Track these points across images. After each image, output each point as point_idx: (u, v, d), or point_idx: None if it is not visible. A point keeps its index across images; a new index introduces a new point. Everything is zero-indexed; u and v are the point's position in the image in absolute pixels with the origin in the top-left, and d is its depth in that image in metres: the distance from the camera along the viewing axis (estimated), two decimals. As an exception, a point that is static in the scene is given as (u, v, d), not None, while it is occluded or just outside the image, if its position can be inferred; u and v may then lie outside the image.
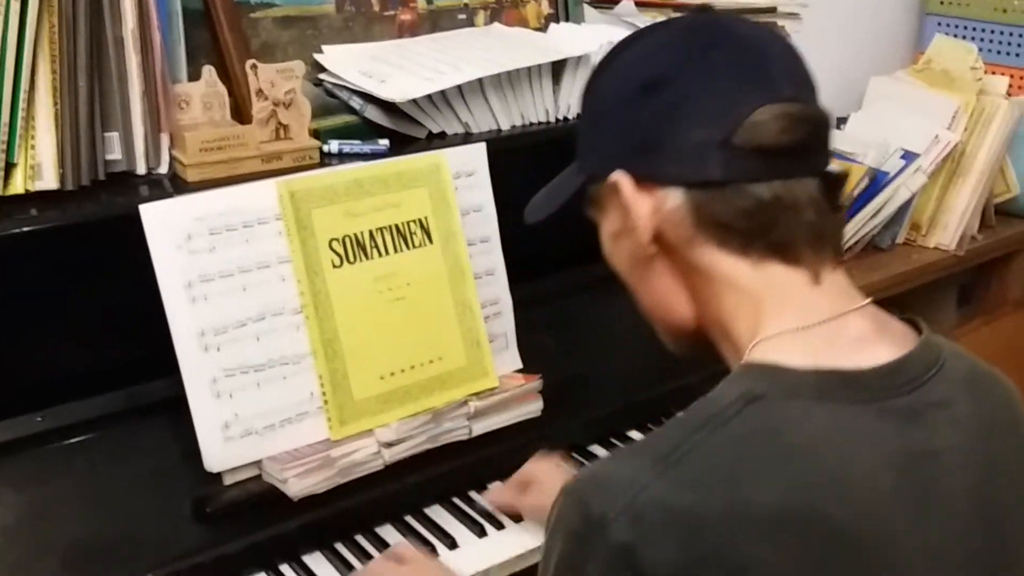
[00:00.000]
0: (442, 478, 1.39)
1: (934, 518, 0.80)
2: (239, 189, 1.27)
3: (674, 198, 0.85)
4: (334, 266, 1.33)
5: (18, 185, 1.22)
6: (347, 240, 1.34)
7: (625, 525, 0.74)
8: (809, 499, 0.75)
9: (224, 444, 1.25)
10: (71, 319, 1.23)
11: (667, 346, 0.96)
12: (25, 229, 1.20)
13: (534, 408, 1.46)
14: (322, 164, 1.42)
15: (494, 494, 1.37)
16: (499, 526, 1.35)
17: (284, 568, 1.27)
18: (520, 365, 1.50)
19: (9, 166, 1.22)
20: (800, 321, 0.83)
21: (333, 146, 1.44)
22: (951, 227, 2.22)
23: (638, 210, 0.86)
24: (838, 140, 2.10)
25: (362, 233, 1.35)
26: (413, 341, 1.39)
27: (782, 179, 0.83)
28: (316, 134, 1.45)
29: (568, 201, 0.94)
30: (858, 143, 2.09)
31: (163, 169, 1.34)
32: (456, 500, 1.40)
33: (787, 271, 0.84)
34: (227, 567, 1.24)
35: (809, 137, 0.84)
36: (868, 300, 0.87)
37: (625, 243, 0.90)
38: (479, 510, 1.38)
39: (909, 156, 2.13)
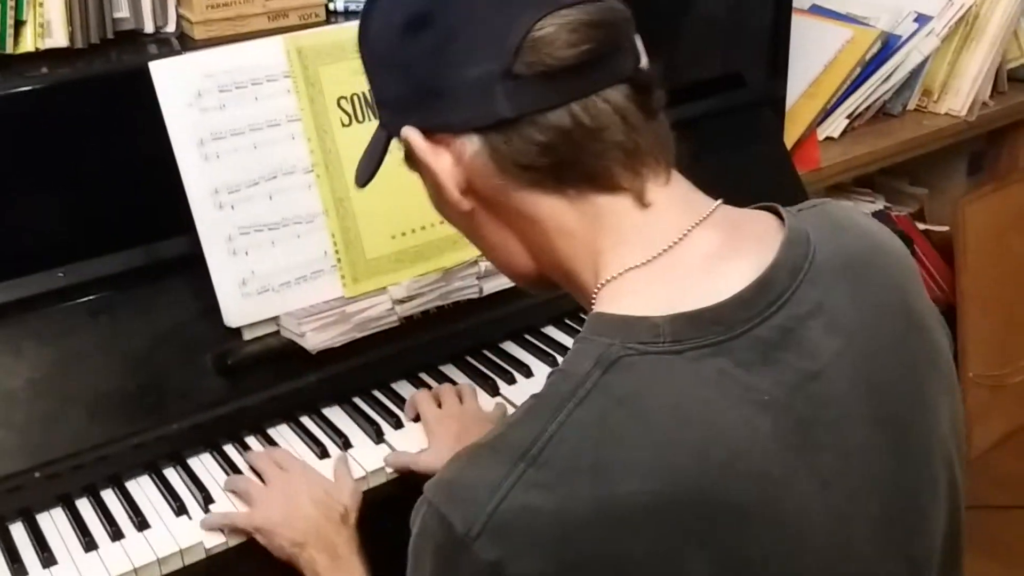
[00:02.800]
0: (455, 336, 1.43)
1: (829, 450, 0.74)
2: (247, 46, 1.27)
3: (471, 145, 0.77)
4: (343, 125, 1.33)
5: (28, 43, 1.22)
6: (355, 99, 1.34)
7: (489, 541, 0.68)
8: (682, 479, 0.69)
9: (242, 300, 1.28)
10: (87, 176, 1.25)
11: (526, 290, 0.90)
12: (37, 86, 1.21)
13: (544, 268, 1.48)
14: (328, 22, 1.41)
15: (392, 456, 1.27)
16: (511, 380, 1.40)
17: (304, 419, 1.32)
18: (529, 227, 1.51)
19: (19, 24, 1.22)
20: (641, 254, 0.76)
21: (339, 3, 1.43)
22: (963, 93, 2.20)
23: (438, 166, 0.79)
24: (851, 4, 2.10)
25: (370, 92, 1.34)
26: (423, 202, 1.39)
27: (579, 99, 0.74)
28: (322, -8, 1.44)
29: (379, 162, 0.88)
30: (871, 6, 2.06)
31: (171, 27, 1.34)
32: (469, 358, 1.44)
33: (610, 200, 0.77)
34: (249, 418, 1.29)
35: (604, 42, 0.75)
36: (717, 203, 0.80)
37: (444, 198, 0.82)
38: (492, 367, 1.42)
39: (922, 19, 2.09)
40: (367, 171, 0.90)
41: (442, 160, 0.79)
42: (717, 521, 0.69)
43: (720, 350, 0.72)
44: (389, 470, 1.25)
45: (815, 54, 2.02)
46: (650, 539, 0.68)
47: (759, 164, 1.73)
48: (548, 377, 0.76)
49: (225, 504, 1.18)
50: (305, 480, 1.17)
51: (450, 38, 0.75)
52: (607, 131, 0.75)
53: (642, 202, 0.77)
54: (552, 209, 0.78)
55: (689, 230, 0.77)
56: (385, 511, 1.26)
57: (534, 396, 0.74)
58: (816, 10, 2.11)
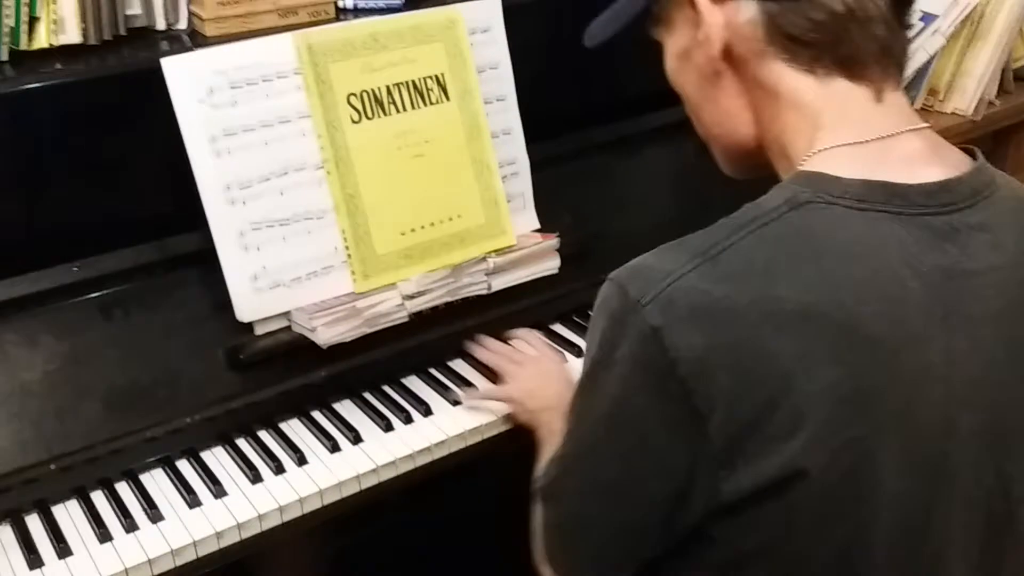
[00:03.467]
0: (464, 332, 1.43)
1: (959, 334, 0.81)
2: (258, 42, 1.28)
3: (747, 10, 0.85)
4: (353, 121, 1.34)
5: (42, 39, 1.24)
6: (365, 95, 1.35)
7: (656, 309, 0.77)
8: (836, 297, 0.77)
9: (254, 295, 1.29)
10: (101, 172, 1.26)
11: (724, 168, 0.97)
12: (51, 82, 1.22)
13: (551, 266, 1.49)
14: (337, 19, 1.43)
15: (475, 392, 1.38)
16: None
17: (316, 414, 1.33)
18: (538, 225, 1.52)
19: (33, 20, 1.23)
20: (856, 136, 0.84)
21: (348, 1, 1.44)
22: (969, 92, 2.20)
23: (710, 22, 0.86)
24: None
25: (379, 88, 1.36)
26: (432, 198, 1.42)
27: None
28: (331, -11, 1.45)
29: (632, 21, 0.94)
30: (876, 5, 2.07)
31: (182, 24, 1.36)
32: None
33: (851, 87, 0.85)
34: (261, 412, 1.30)
35: None
36: (927, 124, 0.87)
37: (692, 60, 0.90)
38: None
39: (928, 18, 2.10)
40: (607, 32, 0.97)
41: (716, 17, 0.86)
42: (855, 345, 0.77)
43: (896, 219, 0.81)
44: (399, 460, 1.25)
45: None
46: (794, 339, 0.76)
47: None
48: (741, 208, 0.84)
49: (237, 495, 1.19)
50: (553, 363, 1.36)
51: None
52: (873, 24, 0.83)
53: (878, 97, 0.85)
54: (797, 83, 0.85)
55: (902, 131, 0.85)
56: (402, 506, 1.29)
57: (726, 217, 0.83)
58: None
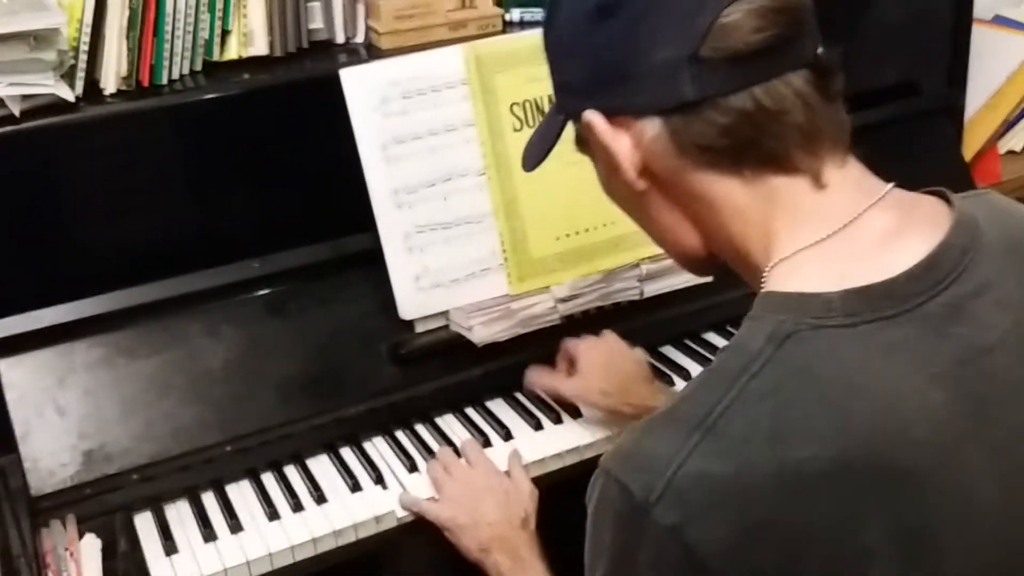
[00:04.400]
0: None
1: (998, 421, 0.74)
2: (429, 54, 1.35)
3: (651, 128, 0.79)
4: (514, 130, 1.39)
5: (232, 51, 1.34)
6: (527, 105, 1.39)
7: (668, 507, 0.70)
8: (858, 445, 0.70)
9: (416, 294, 1.35)
10: (281, 175, 1.35)
11: (690, 272, 0.92)
12: (241, 91, 1.32)
13: (705, 273, 1.49)
14: (504, 32, 1.48)
15: (535, 376, 1.38)
16: (670, 383, 1.42)
17: (469, 411, 1.38)
18: (692, 233, 1.53)
19: (225, 33, 1.33)
20: (815, 233, 0.77)
21: (515, 14, 1.49)
22: None
23: (617, 148, 0.81)
24: (1012, 10, 2.00)
25: (541, 98, 1.40)
26: (587, 204, 1.44)
27: (762, 83, 0.75)
28: (499, 2, 1.50)
29: (551, 146, 0.91)
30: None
31: (359, 38, 1.44)
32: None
33: (787, 181, 0.78)
34: (418, 406, 1.37)
35: (787, 28, 0.76)
36: (890, 186, 0.80)
37: (618, 181, 0.84)
38: (653, 371, 1.44)
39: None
40: (539, 154, 0.94)
41: (621, 142, 0.81)
42: (892, 487, 0.70)
43: (892, 324, 0.73)
44: (548, 458, 1.29)
45: (997, 65, 1.94)
46: (827, 505, 0.69)
47: (935, 174, 1.68)
48: (718, 354, 0.78)
49: (394, 483, 1.25)
50: (487, 482, 1.23)
51: (638, 23, 0.77)
52: (788, 114, 0.76)
53: (819, 183, 0.78)
54: (727, 190, 0.79)
55: (863, 210, 0.78)
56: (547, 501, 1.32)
57: (706, 370, 0.77)
58: (1000, 21, 2.03)
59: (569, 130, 0.89)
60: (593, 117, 0.82)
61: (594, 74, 0.81)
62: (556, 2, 0.85)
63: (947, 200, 0.81)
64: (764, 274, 0.79)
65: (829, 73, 0.78)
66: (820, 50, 0.79)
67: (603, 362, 1.32)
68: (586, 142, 0.86)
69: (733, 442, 0.71)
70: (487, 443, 1.31)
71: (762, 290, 0.79)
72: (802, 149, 0.77)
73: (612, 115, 0.81)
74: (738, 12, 0.75)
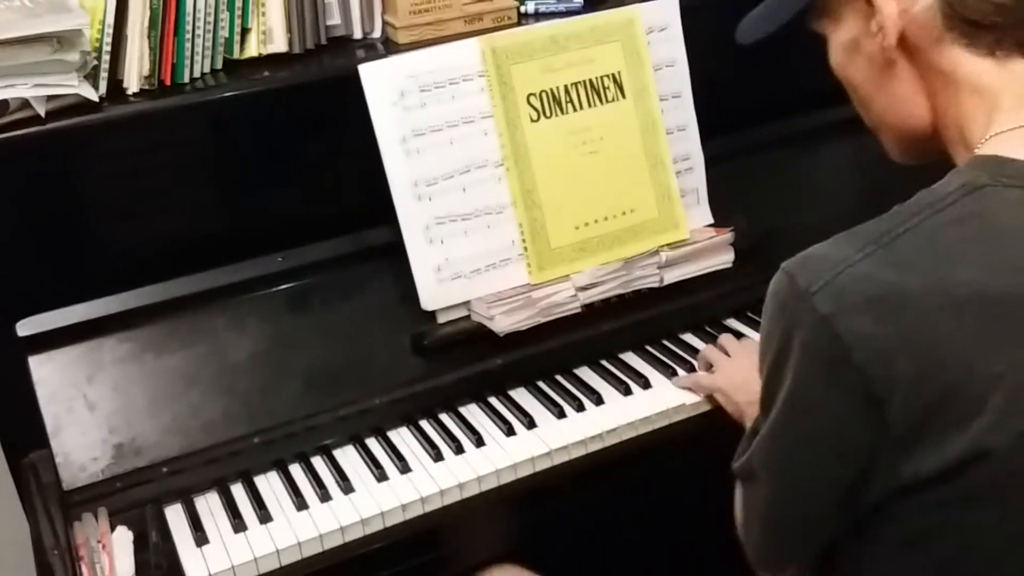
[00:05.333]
0: (636, 325, 1.47)
1: None
2: (446, 48, 1.36)
3: None
4: (532, 120, 1.40)
5: (252, 49, 1.36)
6: (544, 95, 1.40)
7: (827, 297, 0.78)
8: (1010, 281, 0.77)
9: (437, 285, 1.37)
10: (303, 170, 1.37)
11: (893, 155, 0.97)
12: (261, 88, 1.34)
13: (725, 260, 1.50)
14: (519, 24, 1.49)
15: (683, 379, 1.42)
16: (690, 369, 1.43)
17: (493, 400, 1.39)
18: (711, 220, 1.53)
19: (244, 31, 1.35)
20: None
21: (530, 6, 1.50)
22: None
23: (886, 13, 0.86)
24: None
25: (558, 88, 1.41)
26: (606, 193, 1.45)
27: None
28: (514, -6, 1.51)
29: (795, 13, 0.94)
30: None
31: (376, 33, 1.45)
32: (649, 347, 1.48)
33: None
34: (442, 396, 1.38)
35: None
36: None
37: (863, 51, 0.91)
38: (671, 355, 1.46)
39: None
40: (770, 24, 0.98)
41: (890, 7, 0.86)
42: None
43: None
44: (572, 445, 1.30)
45: None
46: (972, 323, 0.76)
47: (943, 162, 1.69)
48: (916, 195, 0.83)
49: (420, 472, 1.27)
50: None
51: None
52: None
53: None
54: (975, 68, 0.85)
55: None
56: (571, 488, 1.33)
57: (899, 204, 0.83)
58: None
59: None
60: None
61: None
62: None
63: None
64: (979, 145, 0.85)
65: None
66: None
67: (740, 380, 1.33)
68: (832, 11, 0.91)
69: (904, 255, 0.79)
70: (511, 431, 1.33)
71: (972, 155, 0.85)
72: None
73: None
74: None
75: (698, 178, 1.53)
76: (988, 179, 0.81)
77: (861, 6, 0.88)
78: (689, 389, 1.38)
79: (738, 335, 1.48)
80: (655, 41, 1.47)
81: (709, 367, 1.40)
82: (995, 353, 0.76)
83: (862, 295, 0.78)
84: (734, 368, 1.35)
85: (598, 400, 1.37)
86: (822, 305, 0.79)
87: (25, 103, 1.21)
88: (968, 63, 0.85)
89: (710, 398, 1.37)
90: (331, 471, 1.28)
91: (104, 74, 1.27)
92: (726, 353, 1.40)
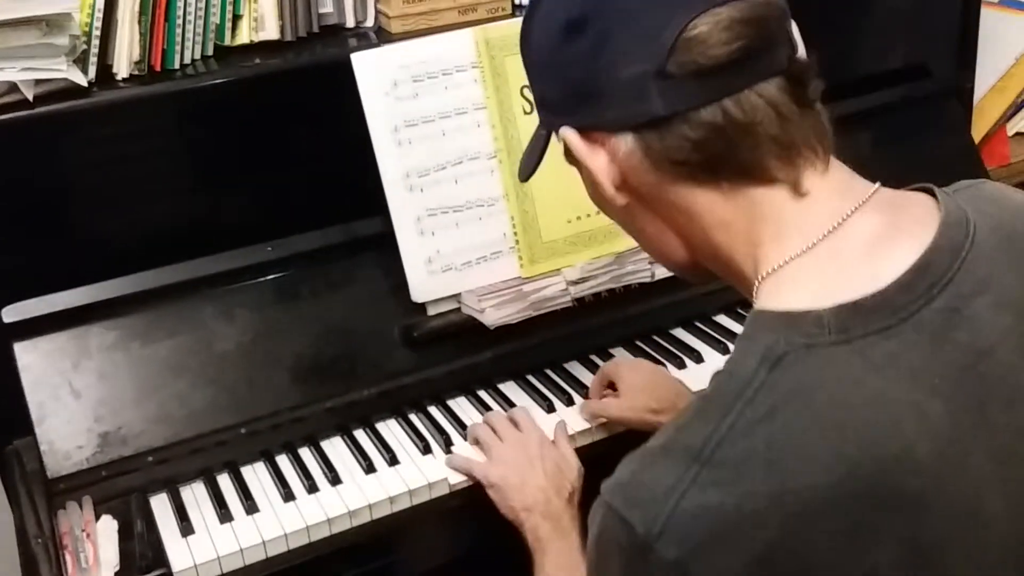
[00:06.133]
0: (627, 320, 1.47)
1: (1001, 426, 0.73)
2: (440, 38, 1.35)
3: (625, 144, 0.79)
4: (525, 113, 1.39)
5: (243, 35, 1.35)
6: (538, 88, 1.39)
7: (671, 542, 0.70)
8: (858, 471, 0.69)
9: (428, 277, 1.36)
10: (293, 159, 1.36)
11: (685, 280, 0.92)
12: (252, 75, 1.32)
13: (716, 256, 1.50)
14: (513, 15, 1.48)
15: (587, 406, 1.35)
16: (681, 365, 1.42)
17: (482, 393, 1.39)
18: (702, 216, 1.53)
19: (236, 18, 1.34)
20: (800, 243, 0.76)
21: (524, -3, 1.50)
22: None
23: (593, 164, 0.81)
24: None
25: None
26: (599, 188, 1.45)
27: (732, 95, 0.75)
28: (508, -14, 1.51)
29: (539, 160, 0.92)
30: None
31: (369, 22, 1.44)
32: (639, 342, 1.48)
33: (766, 192, 0.77)
34: (431, 389, 1.37)
35: (757, 39, 0.75)
36: (875, 187, 0.79)
37: (601, 193, 0.84)
38: (662, 352, 1.45)
39: None
40: (528, 167, 0.95)
41: (598, 158, 0.81)
42: (898, 510, 0.70)
43: (886, 337, 0.72)
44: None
45: (1005, 47, 1.94)
46: (831, 532, 0.69)
47: (944, 156, 1.69)
48: (712, 378, 0.77)
49: (408, 464, 1.26)
50: (540, 450, 1.22)
51: (605, 40, 0.77)
52: (760, 125, 0.75)
53: (798, 192, 0.77)
54: (707, 202, 0.79)
55: (848, 215, 0.77)
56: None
57: (701, 397, 0.76)
58: (1008, 2, 2.02)
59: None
60: (568, 134, 0.82)
61: (567, 91, 0.81)
62: (529, 19, 0.85)
63: (936, 196, 0.80)
64: (755, 287, 0.79)
65: (803, 80, 0.77)
66: (799, 53, 0.79)
67: (647, 381, 1.31)
68: (569, 155, 0.86)
69: (731, 472, 0.70)
70: (500, 425, 1.32)
71: (754, 307, 0.78)
72: (778, 159, 0.76)
73: (587, 131, 0.81)
74: (704, 25, 0.74)
75: (691, 173, 1.52)
76: (784, 346, 0.72)
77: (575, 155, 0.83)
78: (458, 471, 1.24)
79: (730, 333, 1.48)
80: (649, 35, 1.46)
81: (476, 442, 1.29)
82: (864, 551, 0.69)
83: (705, 531, 0.70)
84: (509, 461, 1.21)
85: (588, 395, 1.37)
86: (668, 552, 0.70)
87: (13, 87, 1.19)
88: (699, 199, 0.79)
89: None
90: (319, 462, 1.27)
91: (94, 59, 1.25)
92: (496, 434, 1.26)
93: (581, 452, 1.26)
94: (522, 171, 0.96)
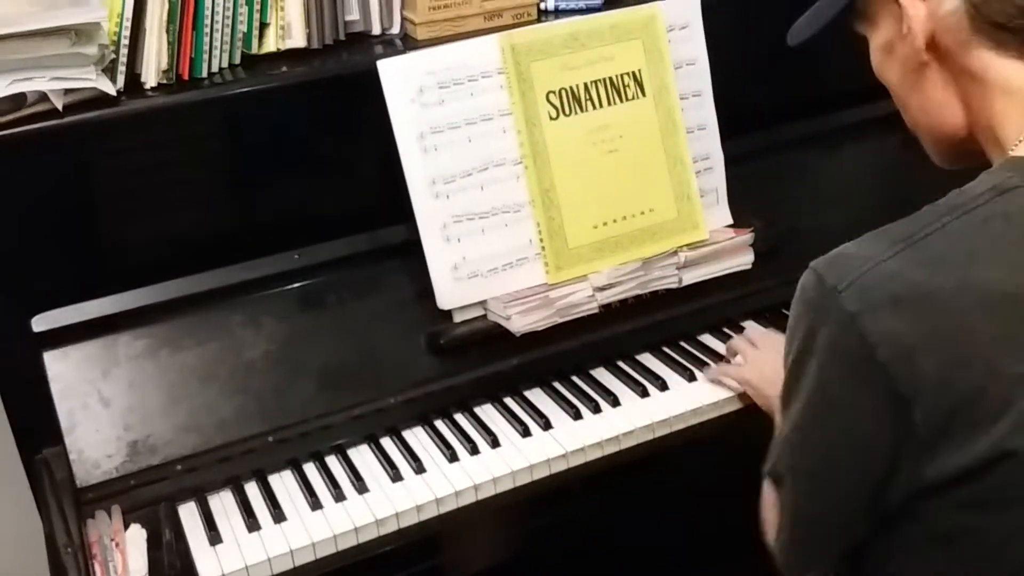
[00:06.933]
0: (654, 326, 1.46)
1: None
2: (465, 44, 1.35)
3: (950, 1, 0.85)
4: (551, 118, 1.38)
5: (270, 44, 1.34)
6: (563, 93, 1.39)
7: (854, 295, 0.78)
8: None
9: (454, 284, 1.35)
10: (320, 166, 1.36)
11: (934, 158, 0.97)
12: (279, 84, 1.32)
13: (745, 261, 1.49)
14: (539, 21, 1.47)
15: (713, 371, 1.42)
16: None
17: (508, 400, 1.38)
18: (730, 220, 1.52)
19: (263, 26, 1.34)
20: None
21: (550, 3, 1.49)
22: None
23: (914, 15, 0.87)
24: None
25: (577, 86, 1.39)
26: (625, 192, 1.44)
27: None
28: (533, -9, 1.50)
29: (835, 18, 0.95)
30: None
31: (395, 29, 1.44)
32: (666, 348, 1.47)
33: None
34: (457, 396, 1.37)
35: None
36: None
37: (897, 54, 0.92)
38: (688, 357, 1.44)
39: None
40: (813, 27, 0.98)
41: (918, 9, 0.87)
42: None
43: None
44: (588, 447, 1.29)
45: None
46: (999, 323, 0.76)
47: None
48: (947, 195, 0.84)
49: (436, 473, 1.25)
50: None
51: None
52: None
53: None
54: (1006, 70, 0.85)
55: None
56: (587, 490, 1.32)
57: (931, 204, 0.83)
58: None
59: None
60: None
61: None
62: None
63: None
64: (1013, 146, 0.85)
65: None
66: None
67: (768, 372, 1.31)
68: (869, 15, 0.93)
69: (932, 254, 0.79)
70: (526, 432, 1.31)
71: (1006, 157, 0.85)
72: None
73: None
74: None
75: (718, 178, 1.51)
76: (1020, 180, 0.81)
77: (894, 9, 0.89)
78: (718, 382, 1.37)
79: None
80: (676, 39, 1.45)
81: (735, 358, 1.38)
82: (1019, 354, 0.76)
83: (888, 293, 0.78)
84: (763, 360, 1.33)
85: (615, 401, 1.36)
86: (849, 303, 0.79)
87: (43, 96, 1.20)
88: (998, 66, 0.86)
89: (729, 400, 1.35)
90: (345, 471, 1.27)
91: (122, 68, 1.26)
92: (753, 344, 1.38)
93: (592, 466, 1.28)
94: (800, 31, 1.00)
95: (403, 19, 1.44)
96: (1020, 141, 0.85)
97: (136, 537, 1.18)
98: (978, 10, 0.84)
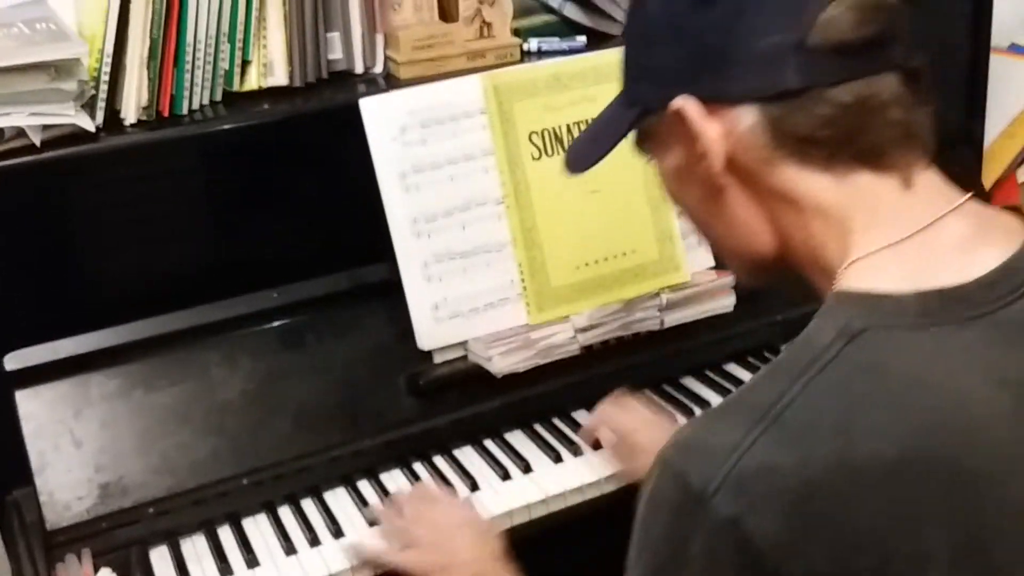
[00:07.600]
0: (635, 368, 1.44)
1: None
2: (448, 83, 1.35)
3: (748, 116, 0.78)
4: (533, 158, 1.38)
5: (252, 81, 1.34)
6: (546, 133, 1.39)
7: (727, 498, 0.68)
8: (922, 443, 0.69)
9: (434, 324, 1.34)
10: (301, 204, 1.35)
11: (739, 277, 0.91)
12: (261, 121, 1.32)
13: (726, 303, 1.48)
14: (522, 61, 1.47)
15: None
16: (689, 414, 1.40)
17: (488, 443, 1.36)
18: (713, 263, 1.51)
19: (245, 64, 1.33)
20: (893, 234, 0.76)
21: (533, 44, 1.49)
22: None
23: (708, 136, 0.79)
24: None
25: (560, 127, 1.39)
26: (607, 233, 1.43)
27: (863, 78, 0.76)
28: (516, 33, 1.50)
29: (618, 142, 0.89)
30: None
31: (378, 68, 1.43)
32: (648, 391, 1.45)
33: (876, 180, 0.78)
34: (437, 438, 1.35)
35: (886, 27, 0.77)
36: (967, 196, 0.79)
37: (693, 177, 0.83)
38: (671, 401, 1.43)
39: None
40: (595, 155, 0.92)
41: (712, 130, 0.79)
42: (955, 489, 0.69)
43: (964, 328, 0.73)
44: (568, 492, 1.27)
45: (1014, 94, 1.94)
46: (888, 502, 0.68)
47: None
48: (785, 347, 0.77)
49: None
50: (457, 520, 1.18)
51: (746, 7, 0.77)
52: (889, 109, 0.77)
53: (907, 184, 0.78)
54: (814, 186, 0.78)
55: (942, 215, 0.77)
56: (567, 534, 1.30)
57: (772, 363, 0.76)
58: (1016, 49, 2.02)
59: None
60: (687, 103, 0.79)
61: (693, 59, 0.79)
62: None
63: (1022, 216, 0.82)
64: (837, 274, 0.79)
65: (920, 76, 0.79)
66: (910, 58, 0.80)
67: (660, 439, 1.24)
68: (657, 137, 0.85)
69: (797, 433, 0.70)
70: (506, 475, 1.30)
71: (834, 289, 0.78)
72: (899, 147, 0.78)
73: (706, 102, 0.79)
74: (840, 7, 0.75)
75: (700, 220, 1.51)
76: (865, 322, 0.73)
77: (685, 130, 0.80)
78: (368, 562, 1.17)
79: (738, 381, 1.46)
80: (659, 81, 1.46)
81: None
82: (916, 531, 0.68)
83: (765, 488, 0.68)
84: (425, 540, 1.15)
85: (596, 445, 1.34)
86: (724, 508, 0.68)
87: (20, 132, 1.19)
88: (806, 182, 0.78)
89: None
90: (321, 514, 1.24)
91: (102, 104, 1.25)
92: (405, 517, 1.19)
93: (572, 511, 1.25)
94: (579, 160, 0.94)
95: (386, 58, 1.44)
96: (846, 265, 0.78)
97: (105, 582, 1.15)
98: (779, 124, 0.77)
